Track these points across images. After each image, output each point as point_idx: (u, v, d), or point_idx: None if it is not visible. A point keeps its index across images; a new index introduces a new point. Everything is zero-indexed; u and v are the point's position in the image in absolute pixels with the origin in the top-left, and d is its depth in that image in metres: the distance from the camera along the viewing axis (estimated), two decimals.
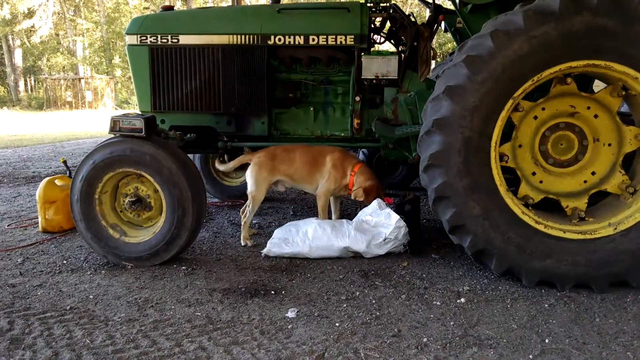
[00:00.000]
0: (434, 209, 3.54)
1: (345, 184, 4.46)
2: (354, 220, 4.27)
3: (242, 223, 4.49)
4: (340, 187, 4.45)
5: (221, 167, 4.74)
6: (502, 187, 3.43)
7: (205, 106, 4.61)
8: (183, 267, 3.90)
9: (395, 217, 4.03)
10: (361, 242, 4.00)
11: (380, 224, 4.09)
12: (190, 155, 5.36)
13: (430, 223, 5.22)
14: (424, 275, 3.73)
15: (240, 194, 5.99)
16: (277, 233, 4.18)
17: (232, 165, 4.67)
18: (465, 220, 3.41)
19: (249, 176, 4.50)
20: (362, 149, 6.60)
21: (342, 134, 4.77)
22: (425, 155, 3.47)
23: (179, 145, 4.38)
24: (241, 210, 4.56)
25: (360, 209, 4.47)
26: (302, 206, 5.94)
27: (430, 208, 3.64)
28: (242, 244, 4.44)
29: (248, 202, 4.51)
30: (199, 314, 3.15)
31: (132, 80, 4.70)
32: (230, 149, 4.94)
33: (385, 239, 3.99)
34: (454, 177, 3.37)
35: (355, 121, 4.64)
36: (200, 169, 5.78)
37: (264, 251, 4.09)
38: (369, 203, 4.43)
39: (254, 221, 5.18)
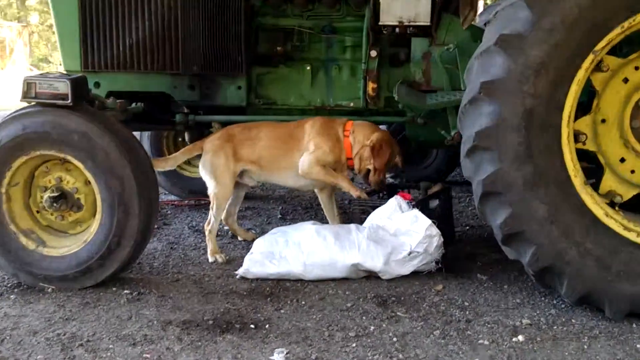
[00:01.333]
0: (481, 210, 3.53)
1: (338, 156, 4.48)
2: (365, 224, 4.28)
3: (207, 232, 4.51)
4: (332, 159, 4.46)
5: (163, 166, 4.73)
6: (577, 179, 3.42)
7: (158, 64, 4.59)
8: (126, 291, 3.90)
9: (424, 221, 4.03)
10: (377, 256, 4.00)
11: (403, 231, 4.09)
12: (137, 134, 5.35)
13: (474, 230, 5.22)
14: (466, 304, 3.72)
15: (206, 189, 5.97)
16: (259, 246, 4.18)
17: (174, 161, 4.69)
18: (525, 225, 3.39)
19: (203, 171, 4.54)
20: (380, 126, 6.59)
21: (352, 104, 4.78)
22: (469, 133, 3.46)
23: (120, 118, 4.35)
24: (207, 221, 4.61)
25: (370, 196, 4.52)
26: (294, 206, 5.94)
27: (476, 208, 3.63)
28: (210, 260, 4.45)
29: (211, 205, 4.54)
30: (148, 356, 3.12)
31: (55, 29, 4.67)
32: (193, 126, 4.96)
33: (410, 253, 4.00)
34: (510, 164, 3.36)
35: (370, 86, 4.64)
36: (150, 153, 5.77)
37: (240, 272, 4.09)
38: (382, 170, 4.45)
39: (225, 227, 5.17)
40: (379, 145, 4.42)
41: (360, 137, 4.46)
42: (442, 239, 4.05)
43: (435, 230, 4.02)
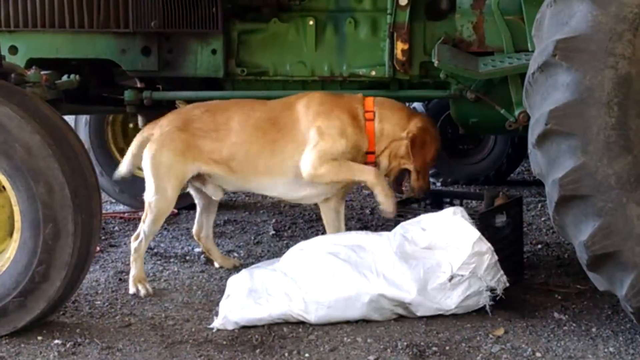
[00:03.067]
0: (558, 221, 3.52)
1: (358, 144, 4.44)
2: (392, 233, 4.28)
3: (132, 250, 4.56)
4: (349, 147, 4.42)
5: (122, 170, 4.73)
6: None
7: (99, 20, 4.60)
8: (57, 342, 3.87)
9: (470, 233, 4.03)
10: (407, 280, 3.99)
11: (439, 244, 4.09)
12: (70, 119, 5.35)
13: (549, 250, 5.20)
14: (538, 355, 3.69)
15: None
16: (236, 283, 4.15)
17: (129, 161, 4.65)
18: (621, 243, 3.37)
19: (144, 165, 4.55)
20: (413, 104, 6.59)
21: (373, 73, 4.77)
22: (540, 112, 3.45)
23: (46, 98, 4.34)
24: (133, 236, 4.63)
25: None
26: (293, 218, 5.94)
27: (551, 219, 3.61)
28: (131, 291, 4.49)
29: (144, 214, 4.56)
30: None
31: None
32: (149, 105, 4.94)
33: (452, 278, 3.99)
34: (599, 156, 3.35)
35: (400, 47, 4.64)
36: (89, 146, 5.78)
37: (217, 324, 4.04)
38: (426, 172, 4.47)
39: (196, 250, 5.19)
40: (421, 139, 4.42)
41: (389, 127, 4.46)
42: (496, 258, 4.03)
43: (485, 246, 4.01)
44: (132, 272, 4.52)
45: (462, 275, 3.99)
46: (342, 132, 4.40)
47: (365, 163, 4.48)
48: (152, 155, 4.46)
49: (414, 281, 3.98)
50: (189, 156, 4.44)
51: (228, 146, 4.43)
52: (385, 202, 4.39)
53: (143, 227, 4.53)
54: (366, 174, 4.40)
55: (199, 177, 4.54)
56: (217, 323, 4.04)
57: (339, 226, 4.74)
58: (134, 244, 4.54)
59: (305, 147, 4.39)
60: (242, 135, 4.42)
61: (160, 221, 4.58)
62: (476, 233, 4.03)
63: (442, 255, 4.04)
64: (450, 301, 4.02)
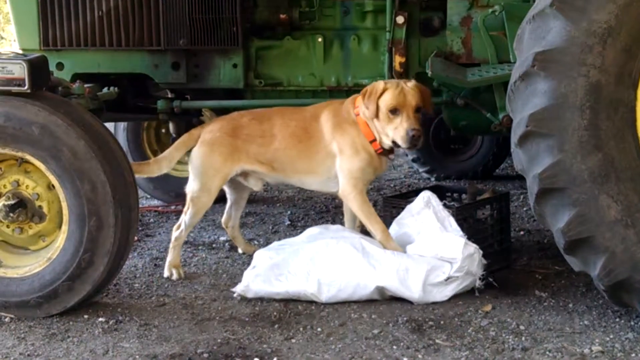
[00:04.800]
0: (539, 211, 3.52)
1: (372, 157, 4.27)
2: (392, 228, 4.28)
3: (172, 238, 4.55)
4: (369, 164, 4.28)
5: (153, 171, 4.64)
6: None
7: (134, 39, 4.62)
8: (101, 319, 3.90)
9: (457, 242, 4.02)
10: (412, 281, 3.98)
11: (439, 252, 4.07)
12: (110, 125, 5.36)
13: (530, 236, 5.18)
14: (522, 328, 3.70)
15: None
16: (262, 258, 4.17)
17: (168, 161, 4.59)
18: (593, 229, 3.37)
19: (190, 164, 4.51)
20: None
21: None
22: (521, 116, 3.44)
23: (89, 107, 4.35)
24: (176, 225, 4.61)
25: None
26: (306, 210, 5.93)
27: (532, 209, 3.60)
28: (165, 274, 4.49)
29: (186, 207, 4.53)
30: None
31: None
32: (179, 113, 4.96)
33: (448, 278, 4.00)
34: (574, 153, 3.34)
35: (397, 60, 4.63)
36: (127, 149, 5.79)
37: (238, 289, 4.09)
38: (410, 119, 4.09)
39: (221, 238, 5.19)
40: (369, 89, 4.19)
41: (364, 109, 4.24)
42: (481, 252, 4.05)
43: (472, 247, 4.02)
44: (169, 258, 4.52)
45: (456, 277, 4.01)
46: (360, 144, 4.28)
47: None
48: (202, 157, 4.44)
49: (419, 282, 3.97)
50: (235, 158, 4.41)
51: (272, 151, 4.39)
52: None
53: (184, 218, 4.51)
54: (377, 230, 4.22)
55: (242, 173, 4.51)
56: (238, 289, 4.07)
57: (354, 220, 4.61)
58: (175, 233, 4.53)
59: (333, 157, 4.31)
60: (282, 142, 4.38)
61: (201, 215, 4.57)
62: (462, 240, 4.02)
63: (442, 256, 4.05)
64: (444, 294, 4.02)
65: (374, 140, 4.27)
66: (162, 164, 4.60)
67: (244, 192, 4.82)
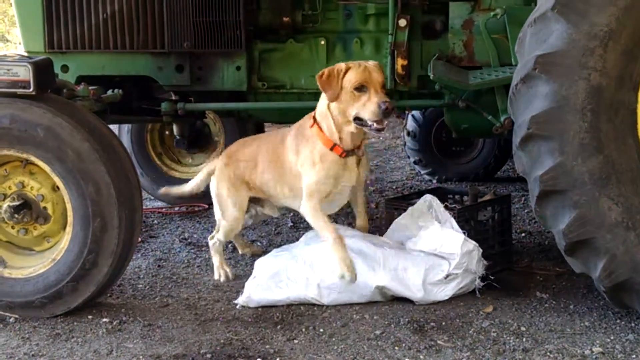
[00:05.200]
0: (540, 213, 3.52)
1: (332, 169, 4.04)
2: (388, 233, 4.28)
3: (211, 245, 4.56)
4: (327, 178, 4.06)
5: (181, 193, 4.82)
6: None
7: (139, 41, 4.63)
8: (105, 320, 3.91)
9: (457, 237, 4.05)
10: (412, 280, 4.00)
11: (438, 247, 4.10)
12: (115, 127, 5.38)
13: (531, 238, 5.19)
14: (523, 329, 3.71)
15: (202, 193, 5.95)
16: (262, 267, 4.18)
17: (196, 184, 4.71)
18: (594, 231, 3.39)
19: (212, 196, 4.57)
20: (412, 112, 6.59)
21: None
22: (522, 119, 3.45)
23: (94, 109, 4.36)
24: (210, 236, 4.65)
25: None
26: None
27: (533, 211, 3.61)
28: (215, 277, 4.50)
29: (217, 226, 4.57)
30: None
31: (12, 0, 4.69)
32: (183, 115, 4.97)
33: (447, 276, 4.02)
34: (575, 156, 3.35)
35: (399, 63, 4.63)
36: (131, 151, 5.80)
37: (241, 300, 4.09)
38: (378, 94, 3.87)
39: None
40: (330, 69, 4.02)
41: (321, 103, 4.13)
42: (481, 251, 4.07)
43: (472, 245, 4.04)
44: (215, 263, 4.53)
45: (456, 274, 4.02)
46: (310, 160, 4.11)
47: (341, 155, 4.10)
48: (214, 188, 4.51)
49: (418, 281, 3.98)
50: (239, 186, 4.42)
51: (258, 176, 4.38)
52: (340, 265, 3.93)
53: (217, 235, 4.53)
54: (327, 237, 4.02)
55: (255, 199, 4.51)
56: (241, 300, 4.07)
57: (361, 202, 4.46)
58: (210, 242, 4.57)
59: (299, 174, 4.18)
60: (262, 166, 4.36)
61: (231, 235, 4.57)
62: (461, 236, 4.04)
63: (441, 255, 4.06)
64: (444, 293, 4.04)
65: (335, 145, 4.05)
66: (190, 187, 4.77)
67: (256, 217, 4.83)
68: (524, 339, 3.58)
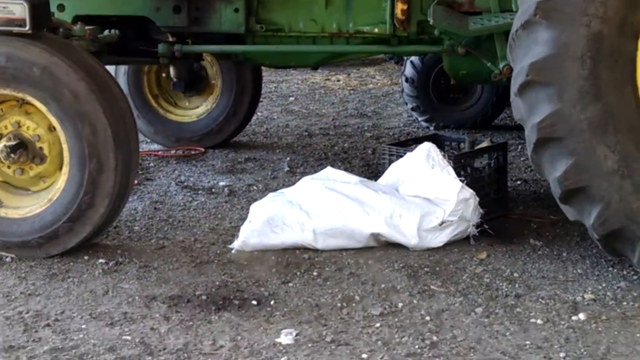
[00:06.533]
0: (536, 161, 3.52)
1: None
2: (386, 176, 4.27)
3: None
4: None
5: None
6: None
7: None
8: (101, 261, 3.93)
9: (454, 184, 4.05)
10: (406, 227, 4.01)
11: (433, 193, 4.10)
12: (111, 68, 5.34)
13: (527, 185, 5.20)
14: (516, 275, 3.73)
15: (198, 136, 6.01)
16: (258, 211, 4.16)
17: None
18: (590, 179, 3.38)
19: None
20: (410, 58, 6.54)
21: (376, 30, 4.73)
22: (522, 65, 3.43)
23: (90, 49, 4.33)
24: None
25: None
26: (305, 157, 5.93)
27: (530, 159, 3.61)
28: None
29: None
30: (129, 337, 3.16)
31: None
32: (180, 57, 4.94)
33: (442, 223, 4.02)
34: (573, 103, 3.34)
35: (399, 7, 4.59)
36: (128, 93, 5.76)
37: (236, 245, 4.09)
38: None
39: (220, 183, 5.22)
40: None
41: None
42: (477, 199, 4.07)
43: (468, 192, 4.05)
44: None
45: (451, 221, 4.03)
46: None
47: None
48: None
49: (413, 227, 3.99)
50: None
51: None
52: None
53: None
54: None
55: None
56: (236, 244, 4.08)
57: None
58: None
59: None
60: None
61: None
62: (458, 183, 4.04)
63: (436, 202, 4.07)
64: (439, 240, 4.06)
65: None
66: None
67: None
68: (517, 285, 3.61)
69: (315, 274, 3.77)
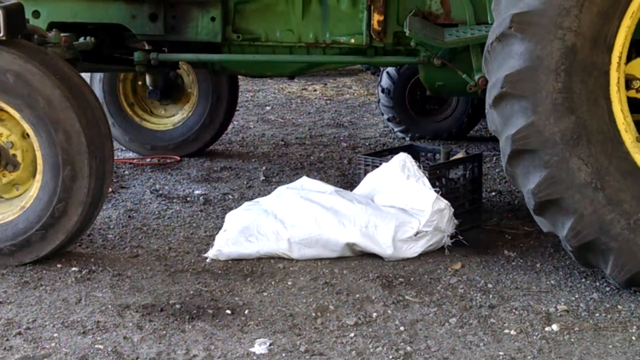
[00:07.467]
0: (510, 172, 3.54)
1: None
2: (361, 187, 4.28)
3: None
4: None
5: None
6: (628, 135, 3.42)
7: None
8: (74, 269, 3.91)
9: (428, 195, 4.06)
10: (382, 237, 4.01)
11: (409, 203, 4.11)
12: (86, 76, 5.32)
13: (501, 197, 5.22)
14: (490, 286, 3.75)
15: (174, 145, 6.00)
16: (233, 220, 4.16)
17: None
18: (563, 191, 3.40)
19: None
20: (387, 68, 6.57)
21: (352, 41, 4.74)
22: (496, 77, 3.45)
23: (65, 57, 4.32)
24: None
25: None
26: (281, 166, 5.93)
27: (504, 170, 3.63)
28: None
29: None
30: (101, 346, 3.15)
31: None
32: (156, 65, 4.92)
33: (417, 233, 4.03)
34: (547, 116, 3.36)
35: (376, 18, 4.61)
36: (103, 100, 5.74)
37: (211, 254, 4.07)
38: None
39: (196, 192, 5.20)
40: None
41: None
42: (452, 210, 4.09)
43: (443, 203, 4.07)
44: None
45: (426, 232, 4.04)
46: None
47: None
48: None
49: (388, 238, 3.99)
50: None
51: None
52: None
53: None
54: None
55: None
56: (211, 253, 4.06)
57: None
58: None
59: None
60: None
61: None
62: (433, 194, 4.06)
63: (411, 212, 4.08)
64: (414, 250, 4.07)
65: None
66: None
67: None
68: (491, 296, 3.63)
69: (289, 283, 3.76)
